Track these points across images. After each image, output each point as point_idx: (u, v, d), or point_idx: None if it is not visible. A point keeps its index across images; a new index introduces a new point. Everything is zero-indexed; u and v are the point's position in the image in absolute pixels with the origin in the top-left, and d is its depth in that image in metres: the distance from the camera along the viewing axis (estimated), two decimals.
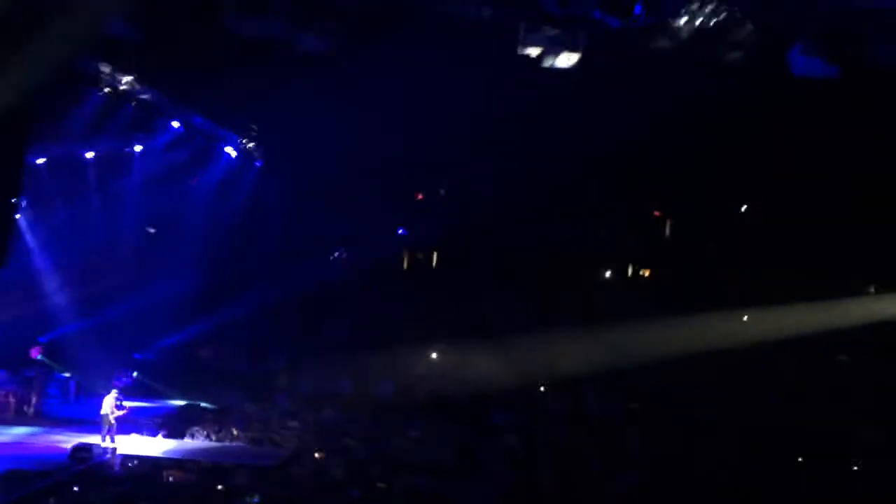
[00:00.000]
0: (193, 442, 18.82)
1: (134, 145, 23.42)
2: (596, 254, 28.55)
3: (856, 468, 16.88)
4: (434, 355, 25.81)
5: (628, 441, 18.77)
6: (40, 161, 21.66)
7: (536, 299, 27.02)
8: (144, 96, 20.71)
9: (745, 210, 28.38)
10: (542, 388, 23.41)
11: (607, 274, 29.23)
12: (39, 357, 22.36)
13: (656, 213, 29.29)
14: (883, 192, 24.91)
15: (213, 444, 18.77)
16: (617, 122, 24.45)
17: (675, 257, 28.13)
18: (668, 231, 29.22)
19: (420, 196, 29.95)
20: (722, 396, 21.67)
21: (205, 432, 19.51)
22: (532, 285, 27.49)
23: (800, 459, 17.00)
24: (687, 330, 23.95)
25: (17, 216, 19.58)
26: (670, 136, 25.05)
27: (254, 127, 25.44)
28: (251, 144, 25.65)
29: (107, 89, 19.69)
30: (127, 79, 19.89)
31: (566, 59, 23.54)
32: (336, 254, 29.75)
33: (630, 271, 29.23)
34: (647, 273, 29.06)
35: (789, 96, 24.23)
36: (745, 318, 25.59)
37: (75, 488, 14.20)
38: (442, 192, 29.62)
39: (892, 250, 25.53)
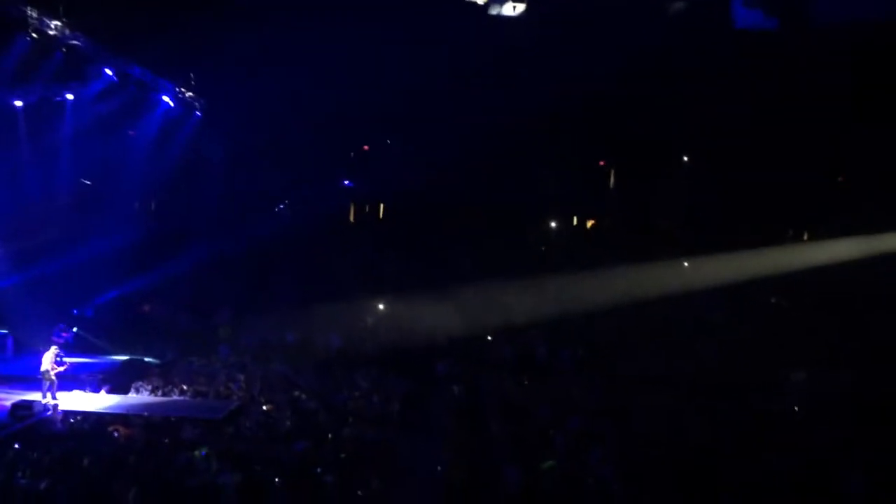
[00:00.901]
0: (138, 397, 18.62)
1: (65, 94, 22.51)
2: (542, 204, 28.87)
3: (785, 409, 17.66)
4: (381, 307, 25.91)
5: (573, 389, 19.25)
6: None
7: (484, 250, 27.29)
8: (75, 42, 19.86)
9: (686, 160, 28.99)
10: (489, 338, 23.74)
11: (553, 224, 29.62)
12: None
13: (601, 163, 29.69)
14: (817, 142, 25.79)
15: (159, 398, 18.60)
16: (562, 73, 24.57)
17: (618, 207, 28.64)
18: (612, 181, 29.70)
19: (366, 147, 29.70)
20: (663, 344, 22.34)
21: (149, 387, 19.31)
22: (479, 236, 27.72)
23: (734, 403, 17.67)
24: (630, 279, 24.58)
25: None
26: (614, 87, 25.31)
27: (192, 76, 24.71)
28: (190, 94, 24.92)
29: (34, 34, 18.82)
30: (55, 23, 19.05)
31: (512, 8, 23.32)
32: (281, 206, 29.41)
33: (575, 221, 29.68)
34: (591, 223, 29.56)
35: (730, 48, 24.75)
36: (685, 265, 26.31)
37: (16, 446, 13.95)
38: (388, 142, 29.40)
39: (823, 199, 26.59)
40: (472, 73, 25.62)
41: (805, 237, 27.64)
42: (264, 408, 17.40)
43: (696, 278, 25.02)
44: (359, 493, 12.44)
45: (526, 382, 20.15)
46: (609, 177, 29.97)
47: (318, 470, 13.04)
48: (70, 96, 22.61)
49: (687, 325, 23.67)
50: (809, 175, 26.21)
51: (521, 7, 28.07)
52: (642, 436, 15.33)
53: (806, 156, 25.60)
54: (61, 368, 17.61)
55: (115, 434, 15.14)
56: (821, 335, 21.45)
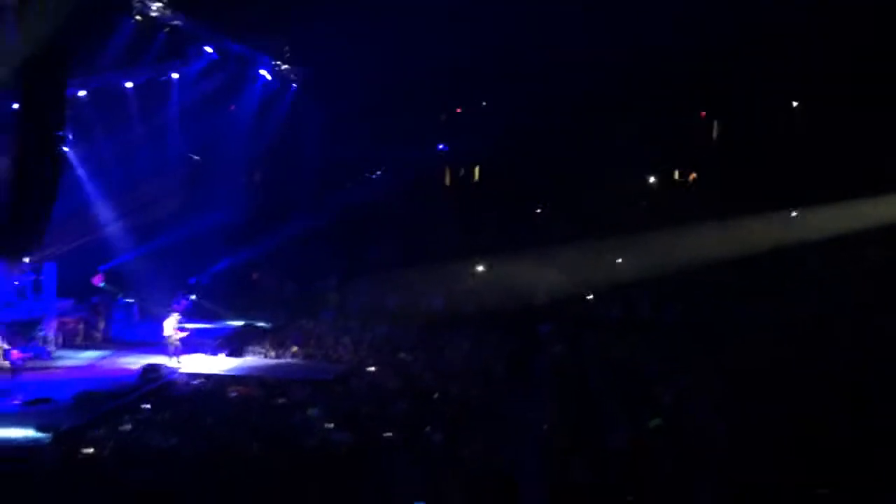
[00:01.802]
0: (253, 360, 19.52)
1: (170, 73, 23.44)
2: (641, 160, 28.03)
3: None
4: (481, 268, 26.02)
5: (677, 345, 18.86)
6: (82, 94, 21.89)
7: (583, 209, 26.86)
8: (176, 22, 20.61)
9: (793, 110, 27.45)
10: (590, 297, 23.50)
11: (653, 180, 28.77)
12: (102, 284, 23.22)
13: (702, 114, 28.51)
14: None
15: (272, 361, 19.43)
16: (657, 27, 23.64)
17: (721, 160, 27.50)
18: (714, 133, 28.49)
19: (459, 110, 29.58)
20: (768, 298, 21.53)
21: (263, 350, 20.22)
22: (578, 195, 27.27)
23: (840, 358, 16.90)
24: (734, 232, 23.71)
25: (65, 149, 20.04)
26: (713, 39, 24.16)
27: (287, 49, 25.23)
28: (285, 67, 25.49)
29: (138, 17, 19.64)
30: (157, 5, 19.80)
31: None
32: (378, 173, 29.79)
33: (676, 176, 28.71)
34: (693, 177, 28.51)
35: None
36: (793, 214, 25.14)
37: (147, 406, 14.90)
38: (483, 104, 29.16)
39: None
40: (564, 30, 24.99)
41: None
42: (371, 369, 17.90)
43: (800, 231, 23.89)
44: (466, 450, 12.64)
45: (630, 340, 19.84)
46: (711, 129, 28.76)
47: (427, 428, 13.33)
48: (175, 75, 23.55)
49: (791, 279, 22.67)
50: None
51: None
52: (750, 392, 14.86)
53: None
54: (183, 334, 18.67)
55: (235, 394, 15.96)
56: None
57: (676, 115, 27.72)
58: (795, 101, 27.06)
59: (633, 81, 25.71)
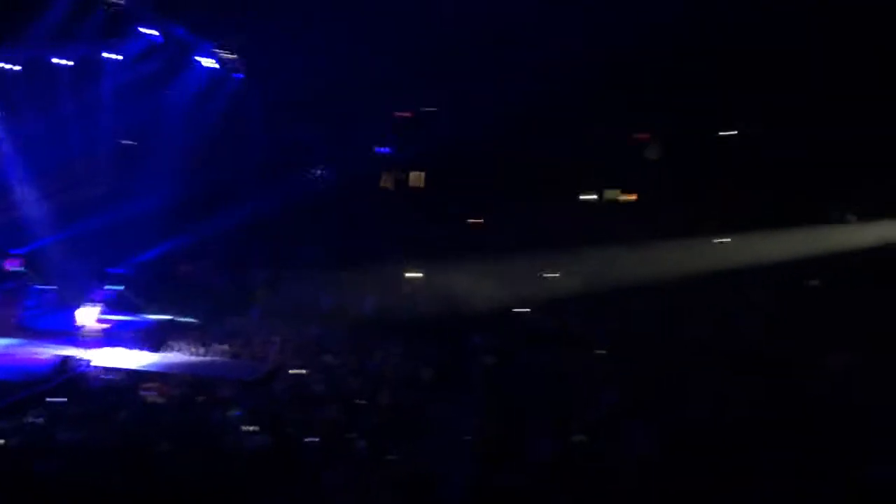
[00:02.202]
0: (174, 355, 18.91)
1: (109, 52, 22.64)
2: (581, 177, 28.36)
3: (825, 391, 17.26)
4: (416, 274, 25.86)
5: (609, 363, 19.07)
6: (10, 67, 20.95)
7: (520, 221, 26.98)
8: (118, 0, 19.92)
9: (733, 135, 28.17)
10: (526, 310, 23.58)
11: (594, 197, 29.10)
12: (17, 269, 22.15)
13: (641, 136, 29.00)
14: (876, 120, 24.78)
15: (194, 357, 18.88)
16: (604, 41, 23.91)
17: (659, 182, 28.01)
18: (654, 153, 28.98)
19: (406, 114, 29.40)
20: (700, 320, 22.00)
21: (185, 346, 19.61)
22: (517, 207, 27.39)
23: (769, 382, 17.35)
24: (669, 254, 24.18)
25: None
26: (659, 56, 24.58)
27: (233, 38, 24.70)
28: (230, 55, 24.93)
29: None
30: None
31: None
32: (318, 171, 29.37)
33: (618, 195, 29.09)
34: (633, 197, 28.94)
35: (781, 14, 23.76)
36: (726, 241, 25.74)
37: (58, 399, 14.26)
38: (427, 108, 29.05)
39: (875, 179, 25.66)
40: (511, 40, 25.08)
41: (853, 218, 26.73)
42: (298, 371, 17.53)
43: (739, 256, 24.49)
44: (389, 457, 12.46)
45: (561, 355, 19.94)
46: (651, 149, 29.26)
47: (351, 434, 13.09)
48: (113, 55, 22.74)
49: (728, 303, 23.24)
50: (861, 152, 25.31)
51: None
52: (680, 411, 15.09)
53: (859, 131, 24.65)
54: (102, 325, 17.95)
55: (152, 391, 15.39)
56: (863, 317, 20.85)
57: (621, 133, 28.12)
58: (736, 126, 27.72)
59: (578, 96, 25.94)
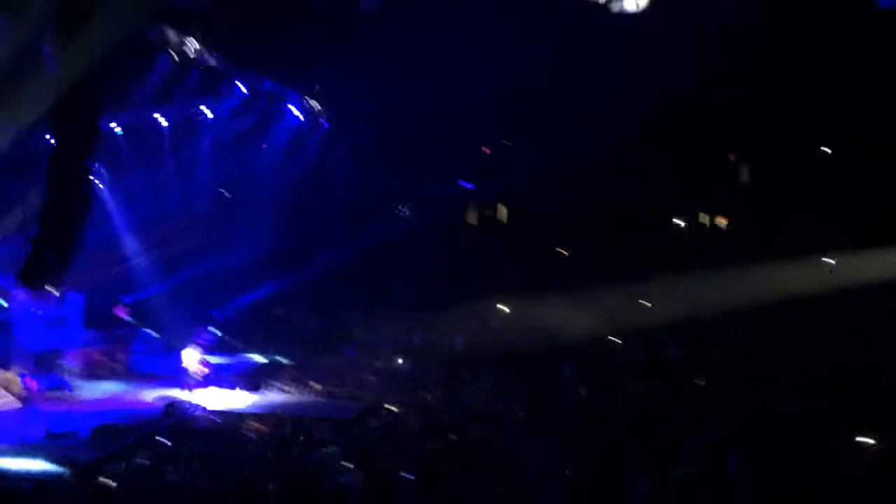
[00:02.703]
0: (273, 396, 19.41)
1: (202, 110, 23.83)
2: (669, 202, 27.79)
3: None
4: (504, 308, 25.79)
5: (706, 394, 18.43)
6: (114, 127, 22.33)
7: (608, 251, 26.59)
8: (210, 60, 21.00)
9: (826, 153, 27.10)
10: (617, 341, 23.11)
11: (683, 223, 28.42)
12: (125, 317, 23.36)
13: (731, 157, 28.24)
14: None
15: (292, 397, 19.32)
16: (686, 67, 23.60)
17: (751, 204, 27.14)
18: (744, 177, 28.15)
19: (486, 150, 29.64)
20: (800, 346, 21.03)
21: (283, 386, 20.11)
22: (603, 236, 27.04)
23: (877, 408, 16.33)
24: (765, 278, 23.27)
25: (97, 182, 20.39)
26: (746, 75, 24.04)
27: (317, 87, 25.59)
28: (316, 105, 25.82)
29: (174, 55, 20.03)
30: (193, 43, 20.19)
31: (634, 3, 22.52)
32: (404, 210, 29.88)
33: (707, 219, 28.34)
34: (723, 221, 28.13)
35: (876, 31, 22.91)
36: (830, 262, 24.60)
37: (166, 441, 14.83)
38: (510, 143, 29.19)
39: None
40: (593, 71, 25.05)
41: None
42: (392, 408, 17.69)
43: (835, 278, 23.37)
44: (485, 494, 12.36)
45: (656, 386, 19.41)
46: (741, 172, 28.45)
47: (445, 470, 13.07)
48: (207, 112, 23.94)
49: (826, 328, 22.15)
50: None
51: (643, 2, 27.04)
52: (783, 444, 14.39)
53: None
54: (204, 368, 18.67)
55: (253, 431, 15.82)
56: None
57: (707, 157, 27.49)
58: (833, 143, 26.67)
59: (662, 123, 25.57)
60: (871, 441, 14.28)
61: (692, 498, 12.31)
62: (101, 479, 12.57)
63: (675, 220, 28.36)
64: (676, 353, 22.04)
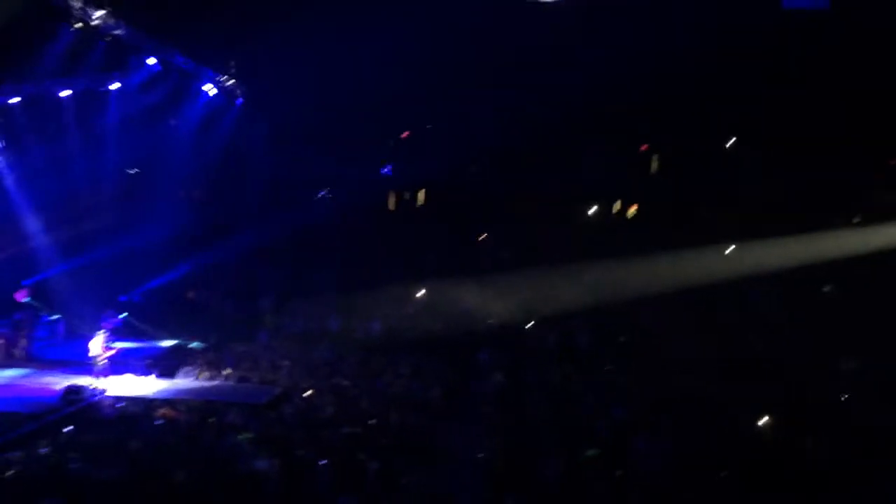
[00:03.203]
0: (184, 381, 18.95)
1: (109, 84, 22.84)
2: (583, 190, 28.48)
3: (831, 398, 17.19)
4: (421, 294, 25.91)
5: (616, 377, 19.02)
6: (14, 101, 21.15)
7: (525, 237, 27.06)
8: (118, 32, 20.10)
9: (732, 143, 28.30)
10: (531, 326, 23.57)
11: (595, 210, 29.18)
12: (26, 300, 22.28)
13: (643, 147, 29.13)
14: (869, 124, 24.94)
15: (204, 383, 18.90)
16: (602, 56, 24.14)
17: (660, 193, 28.10)
18: (655, 166, 29.12)
19: (405, 134, 29.60)
20: (708, 331, 21.96)
21: (195, 372, 19.64)
22: (519, 222, 27.49)
23: (778, 392, 17.28)
24: (673, 265, 24.16)
25: None
26: (656, 69, 24.77)
27: (232, 64, 24.90)
28: (231, 82, 25.13)
29: (78, 24, 19.09)
30: (99, 13, 19.28)
31: None
32: (322, 194, 29.57)
33: (618, 207, 29.18)
34: (634, 209, 29.03)
35: (777, 28, 24.01)
36: (730, 250, 25.74)
37: (68, 429, 14.29)
38: (427, 128, 29.24)
39: (877, 181, 25.76)
40: (513, 58, 25.31)
41: (856, 222, 26.75)
42: (307, 393, 17.55)
43: (742, 265, 24.47)
44: (401, 479, 12.44)
45: (569, 370, 19.91)
46: (652, 162, 29.41)
47: (362, 456, 13.08)
48: (114, 86, 22.95)
49: (734, 313, 23.19)
50: (861, 159, 25.44)
51: None
52: (689, 425, 15.04)
53: (857, 139, 24.80)
54: (110, 353, 18.01)
55: (162, 418, 15.42)
56: (873, 323, 20.80)
57: (620, 145, 28.27)
58: (741, 134, 27.87)
59: (578, 111, 26.10)
60: (769, 423, 15.10)
61: (601, 477, 12.72)
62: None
63: (588, 208, 29.11)
64: (588, 339, 22.62)
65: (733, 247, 25.59)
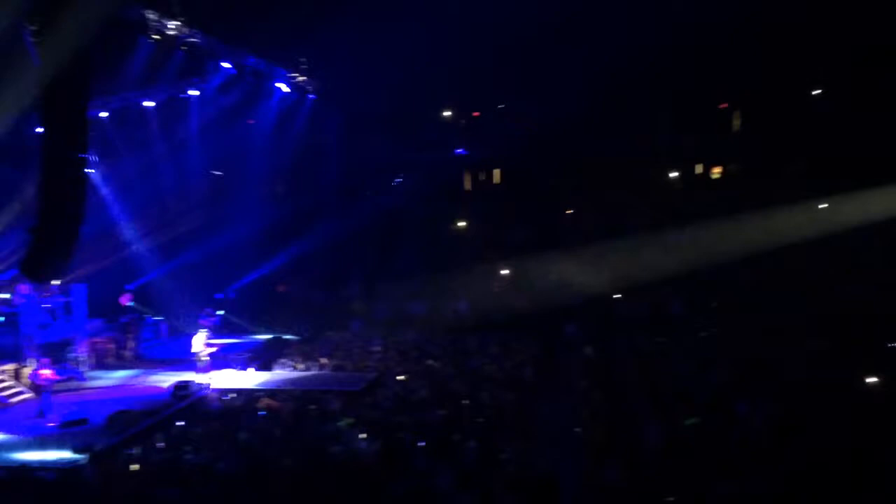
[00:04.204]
0: (282, 373, 19.57)
1: (189, 90, 23.61)
2: (664, 155, 27.69)
3: None
4: (506, 272, 25.88)
5: (710, 342, 18.58)
6: (103, 114, 22.13)
7: (605, 206, 26.60)
8: (193, 39, 20.73)
9: (817, 95, 26.94)
10: (618, 296, 23.24)
11: (677, 174, 28.35)
12: (130, 303, 23.43)
13: (723, 105, 28.08)
14: None
15: (300, 373, 19.46)
16: (674, 13, 23.35)
17: (745, 151, 27.06)
18: (736, 125, 28.04)
19: (476, 114, 29.46)
20: (802, 289, 21.16)
21: (291, 363, 20.26)
22: (602, 193, 27.00)
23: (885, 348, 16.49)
24: (762, 225, 23.33)
25: (90, 171, 20.25)
26: (734, 25, 23.80)
27: (303, 60, 25.31)
28: (302, 78, 25.58)
29: (156, 36, 19.77)
30: (174, 23, 19.92)
31: None
32: (398, 179, 29.80)
33: (700, 169, 28.27)
34: (718, 170, 28.07)
35: None
36: (823, 206, 24.62)
37: (179, 424, 14.98)
38: (501, 106, 28.99)
39: None
40: (580, 25, 24.78)
41: None
42: (400, 378, 17.85)
43: (832, 221, 23.38)
44: (499, 456, 12.53)
45: (661, 339, 19.57)
46: (733, 120, 28.31)
47: (458, 436, 13.22)
48: (194, 92, 23.72)
49: (827, 270, 22.24)
50: None
51: None
52: (789, 386, 14.56)
53: None
54: (211, 349, 18.77)
55: (265, 409, 15.97)
56: None
57: (698, 107, 27.32)
58: (819, 87, 26.47)
59: (652, 74, 25.37)
60: (873, 380, 14.48)
61: (705, 443, 12.47)
62: (122, 463, 12.75)
63: (669, 172, 28.33)
64: (679, 305, 22.15)
65: (824, 204, 24.45)
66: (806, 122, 26.07)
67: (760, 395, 14.07)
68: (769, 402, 13.67)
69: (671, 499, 10.56)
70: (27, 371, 18.11)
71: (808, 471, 10.86)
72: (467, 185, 30.05)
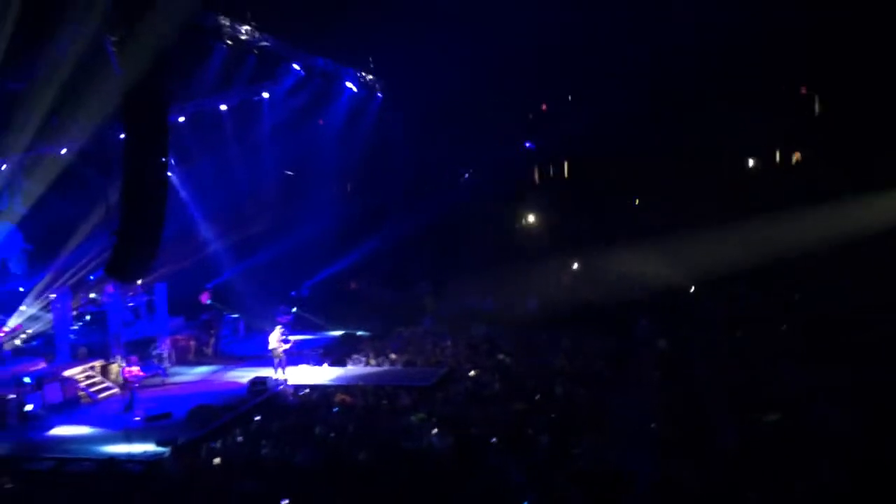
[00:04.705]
0: (355, 368, 19.85)
1: (261, 93, 24.16)
2: (740, 142, 26.77)
3: None
4: (576, 266, 25.59)
5: (788, 337, 17.92)
6: (181, 119, 22.86)
7: (679, 197, 25.95)
8: (264, 43, 21.20)
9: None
10: (691, 290, 22.66)
11: (753, 163, 27.42)
12: (209, 302, 24.18)
13: (802, 90, 27.03)
14: None
15: (373, 368, 19.70)
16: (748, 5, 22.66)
17: (825, 137, 25.97)
18: (815, 110, 26.95)
19: (544, 107, 29.21)
20: (884, 282, 20.17)
21: (364, 358, 20.53)
22: (674, 183, 26.37)
23: None
24: (845, 214, 22.34)
25: (169, 174, 20.92)
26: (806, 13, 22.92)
27: (371, 60, 25.58)
28: (370, 78, 25.86)
29: (229, 41, 20.29)
30: (246, 28, 20.42)
31: None
32: (467, 175, 29.81)
33: (778, 157, 27.28)
34: (797, 157, 27.03)
35: None
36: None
37: (257, 418, 15.38)
38: (569, 98, 28.65)
39: None
40: (650, 17, 24.29)
41: None
42: (472, 373, 17.87)
43: None
44: (572, 451, 12.41)
45: (736, 333, 18.99)
46: (812, 105, 27.22)
47: (531, 430, 13.17)
48: (266, 94, 24.26)
49: None
50: None
51: None
52: (874, 383, 13.90)
53: None
54: (287, 346, 19.20)
55: (340, 404, 16.24)
56: None
57: (774, 92, 26.36)
58: None
59: (725, 62, 24.64)
60: None
61: (784, 441, 12.06)
62: (203, 455, 13.17)
63: (746, 161, 27.47)
64: (756, 299, 21.44)
65: None
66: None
67: (843, 392, 13.50)
68: (851, 401, 13.10)
69: (752, 495, 10.25)
70: (113, 367, 18.91)
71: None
72: (536, 178, 29.82)
